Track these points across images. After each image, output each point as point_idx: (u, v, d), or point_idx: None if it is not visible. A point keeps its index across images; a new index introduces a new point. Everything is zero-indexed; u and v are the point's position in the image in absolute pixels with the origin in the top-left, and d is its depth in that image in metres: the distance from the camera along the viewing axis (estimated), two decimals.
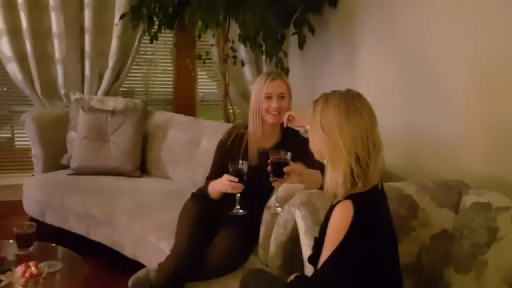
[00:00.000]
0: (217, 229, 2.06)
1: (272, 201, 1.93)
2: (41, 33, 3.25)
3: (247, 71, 3.74)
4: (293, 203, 1.79)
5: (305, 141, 2.01)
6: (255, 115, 2.05)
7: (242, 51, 3.61)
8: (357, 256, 1.29)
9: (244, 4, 2.62)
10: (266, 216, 2.00)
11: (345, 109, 1.32)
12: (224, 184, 1.90)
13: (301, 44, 3.17)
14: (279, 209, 1.86)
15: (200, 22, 2.53)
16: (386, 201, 1.48)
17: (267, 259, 1.98)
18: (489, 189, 1.76)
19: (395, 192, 1.83)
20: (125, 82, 3.60)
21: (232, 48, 3.37)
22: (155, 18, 2.97)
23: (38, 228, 2.80)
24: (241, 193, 1.91)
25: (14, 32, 3.18)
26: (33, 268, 1.58)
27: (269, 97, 2.01)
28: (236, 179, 1.86)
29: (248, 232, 2.02)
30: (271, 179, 1.81)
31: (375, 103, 2.79)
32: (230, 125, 2.47)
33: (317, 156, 1.43)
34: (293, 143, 2.01)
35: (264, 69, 3.69)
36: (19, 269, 1.58)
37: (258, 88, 2.02)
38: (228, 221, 2.05)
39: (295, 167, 1.77)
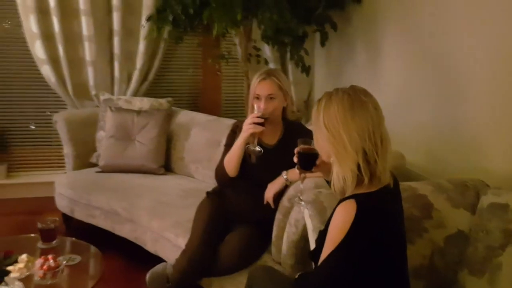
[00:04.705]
0: (230, 227, 2.11)
1: (294, 193, 1.91)
2: (72, 37, 3.40)
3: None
4: (302, 202, 1.80)
5: (309, 133, 2.01)
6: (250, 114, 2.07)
7: (267, 50, 3.63)
8: (356, 258, 1.27)
9: (262, 3, 2.63)
10: (278, 215, 2.02)
11: (349, 104, 1.30)
12: (246, 124, 1.96)
13: (323, 41, 3.15)
14: (303, 203, 1.84)
15: (217, 23, 2.56)
16: (398, 201, 1.44)
17: (280, 257, 2.00)
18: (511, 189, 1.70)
19: (409, 191, 1.80)
20: (153, 82, 3.70)
21: (255, 47, 3.40)
22: (179, 20, 3.04)
23: (70, 223, 2.96)
24: (247, 190, 1.94)
25: (47, 36, 3.34)
26: (51, 261, 1.68)
27: (258, 97, 2.02)
28: (261, 119, 1.94)
29: (261, 230, 2.05)
30: (297, 171, 1.77)
31: (398, 100, 2.77)
32: None
33: (323, 155, 1.41)
34: (297, 137, 2.00)
35: (289, 67, 3.69)
36: (39, 262, 1.68)
37: (251, 88, 2.05)
38: (241, 219, 2.10)
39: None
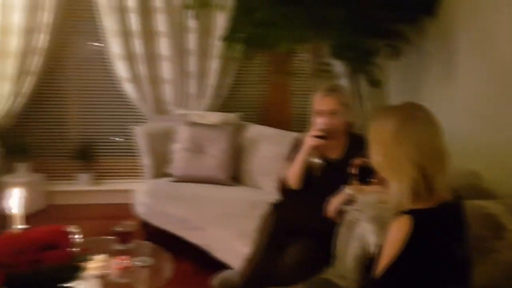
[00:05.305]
0: (293, 238, 2.14)
1: (357, 206, 1.93)
2: (152, 57, 3.67)
3: (344, 84, 3.75)
4: (365, 217, 1.80)
5: None
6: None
7: (339, 64, 3.64)
8: (409, 274, 1.26)
9: (327, 21, 2.68)
10: (342, 229, 2.02)
11: (402, 119, 1.31)
12: (307, 137, 2.03)
13: (394, 56, 3.11)
14: (356, 212, 1.86)
15: (283, 41, 2.65)
16: (459, 219, 1.40)
17: (344, 271, 2.00)
18: None
19: (478, 210, 1.73)
20: (225, 98, 3.87)
21: (324, 62, 3.43)
22: (249, 39, 3.17)
23: (147, 229, 3.15)
24: (310, 203, 1.97)
25: (129, 57, 3.65)
26: (125, 261, 1.83)
27: (319, 113, 2.06)
28: (322, 133, 2.01)
29: (324, 243, 2.06)
30: (354, 183, 1.78)
31: (475, 114, 2.66)
32: None
33: (379, 170, 1.42)
34: (362, 150, 2.01)
35: (361, 81, 3.66)
36: (114, 262, 1.84)
37: (313, 103, 2.10)
38: (303, 231, 2.13)
39: None
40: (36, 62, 3.61)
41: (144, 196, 3.16)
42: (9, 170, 3.74)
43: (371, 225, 1.78)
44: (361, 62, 3.09)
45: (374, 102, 3.62)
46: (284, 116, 3.96)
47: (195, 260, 2.82)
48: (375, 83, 3.13)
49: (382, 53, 3.29)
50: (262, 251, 2.07)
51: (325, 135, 2.01)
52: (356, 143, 2.12)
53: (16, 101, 3.64)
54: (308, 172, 2.12)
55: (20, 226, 1.56)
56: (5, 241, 1.43)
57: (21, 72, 3.59)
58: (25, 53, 3.56)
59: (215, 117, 3.39)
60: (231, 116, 3.40)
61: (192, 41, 3.64)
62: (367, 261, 1.82)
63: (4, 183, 3.40)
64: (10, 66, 3.55)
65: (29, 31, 3.53)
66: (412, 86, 3.33)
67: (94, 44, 3.90)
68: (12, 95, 3.60)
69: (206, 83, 3.74)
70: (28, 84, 3.64)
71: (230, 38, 3.28)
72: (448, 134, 1.43)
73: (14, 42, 3.52)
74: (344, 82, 3.67)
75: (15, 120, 3.75)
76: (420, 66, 3.20)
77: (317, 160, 2.05)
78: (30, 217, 1.67)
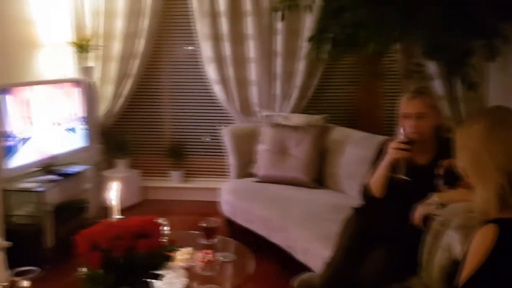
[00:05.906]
0: (375, 245, 2.08)
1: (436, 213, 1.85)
2: (240, 59, 3.79)
3: (438, 86, 3.57)
4: (452, 226, 1.71)
5: None
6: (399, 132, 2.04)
7: (433, 65, 3.47)
8: (491, 286, 1.19)
9: (419, 20, 2.56)
10: (428, 238, 1.94)
11: (492, 124, 1.26)
12: (391, 147, 1.96)
13: (491, 56, 2.88)
14: (437, 213, 1.79)
15: (372, 42, 2.58)
16: None
17: (429, 281, 1.91)
18: None
19: None
20: (311, 99, 3.86)
21: (417, 63, 3.28)
22: (338, 39, 3.13)
23: (232, 227, 3.26)
24: (394, 209, 1.90)
25: (219, 59, 3.80)
26: (209, 255, 1.91)
27: (407, 116, 1.97)
28: (406, 145, 1.92)
29: (407, 251, 1.98)
30: (439, 184, 1.72)
31: None
32: None
33: (464, 176, 1.36)
34: (451, 157, 1.91)
35: (456, 83, 3.45)
36: (199, 255, 1.93)
37: (400, 106, 2.01)
38: (386, 238, 2.06)
39: None
40: (135, 65, 3.91)
41: (229, 194, 3.27)
42: (109, 166, 4.09)
43: (457, 234, 1.69)
44: (455, 63, 2.91)
45: (471, 105, 3.40)
46: (374, 118, 3.86)
47: (277, 260, 2.86)
48: (471, 86, 2.93)
49: (478, 53, 3.08)
50: (342, 255, 2.04)
51: (410, 147, 1.92)
52: (446, 148, 2.01)
53: (116, 102, 3.97)
54: (393, 180, 2.05)
55: (117, 216, 1.70)
56: (104, 228, 1.57)
57: (122, 75, 3.91)
58: (126, 57, 3.87)
59: (299, 119, 3.40)
60: (316, 118, 3.38)
61: (279, 43, 3.69)
62: (452, 270, 1.73)
63: (105, 177, 3.71)
64: (113, 69, 3.89)
65: (129, 36, 3.83)
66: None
67: (187, 47, 4.12)
68: (113, 96, 3.93)
69: (292, 85, 3.77)
70: (127, 86, 3.95)
71: (317, 38, 3.26)
72: None
73: (116, 47, 3.85)
74: (437, 84, 3.50)
75: (115, 120, 4.08)
76: None
77: (402, 177, 1.97)
78: (126, 210, 1.81)
